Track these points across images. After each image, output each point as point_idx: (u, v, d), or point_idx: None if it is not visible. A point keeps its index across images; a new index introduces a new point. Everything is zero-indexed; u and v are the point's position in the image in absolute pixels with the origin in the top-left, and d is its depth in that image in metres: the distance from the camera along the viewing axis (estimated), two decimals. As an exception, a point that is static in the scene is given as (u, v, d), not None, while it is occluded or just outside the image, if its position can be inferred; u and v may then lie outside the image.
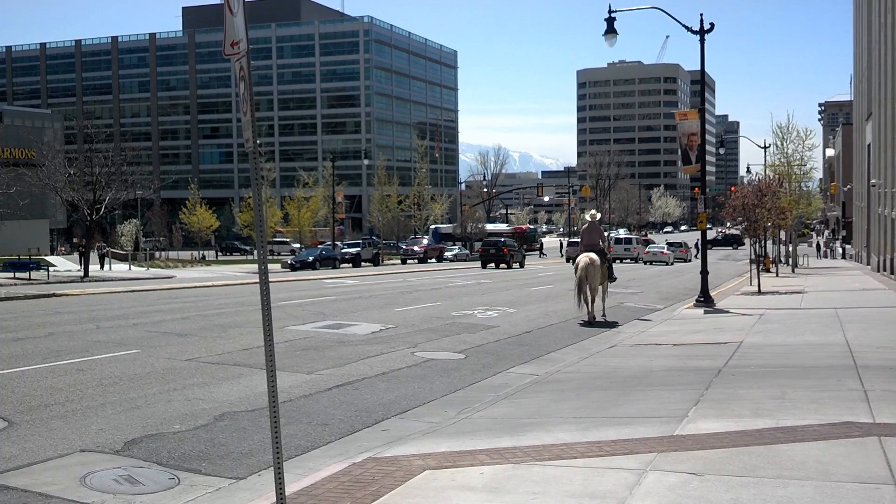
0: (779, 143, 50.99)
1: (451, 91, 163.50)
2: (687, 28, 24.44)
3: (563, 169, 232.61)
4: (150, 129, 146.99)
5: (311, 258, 56.93)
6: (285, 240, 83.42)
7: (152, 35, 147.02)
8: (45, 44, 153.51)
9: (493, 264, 56.20)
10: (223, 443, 8.00)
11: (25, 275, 38.95)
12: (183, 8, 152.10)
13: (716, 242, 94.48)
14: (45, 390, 10.27)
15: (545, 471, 6.42)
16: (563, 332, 17.80)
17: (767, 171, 48.21)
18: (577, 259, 19.69)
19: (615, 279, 21.42)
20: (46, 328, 16.96)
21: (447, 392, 10.91)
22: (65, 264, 54.26)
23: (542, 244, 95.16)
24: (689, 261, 66.08)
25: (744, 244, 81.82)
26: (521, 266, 57.43)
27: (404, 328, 17.43)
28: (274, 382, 5.57)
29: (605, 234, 23.17)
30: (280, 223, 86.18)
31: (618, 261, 53.60)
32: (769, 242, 47.83)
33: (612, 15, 23.91)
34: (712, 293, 25.30)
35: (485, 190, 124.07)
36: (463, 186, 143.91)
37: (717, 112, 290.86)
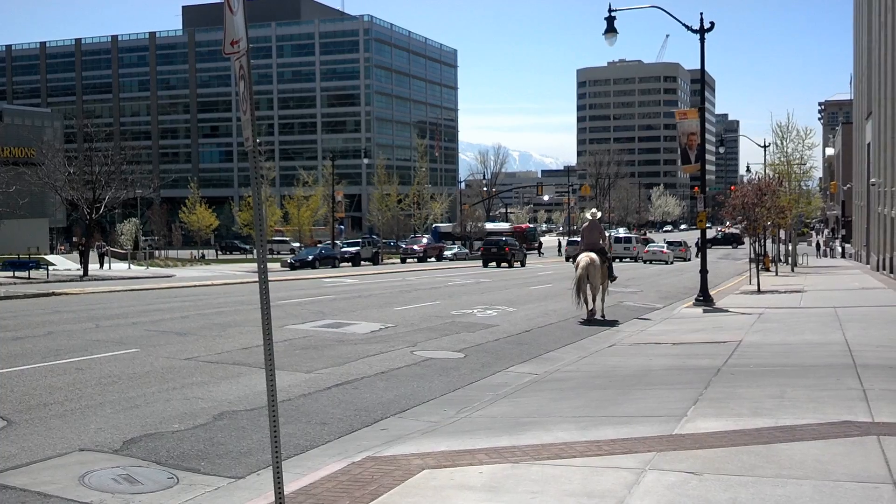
0: (778, 142, 51.04)
1: (451, 90, 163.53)
2: (687, 27, 24.44)
3: (562, 168, 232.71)
4: (150, 127, 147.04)
5: (310, 257, 56.91)
6: (285, 239, 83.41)
7: (152, 34, 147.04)
8: (44, 42, 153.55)
9: (494, 263, 56.27)
10: (222, 442, 8.00)
11: (25, 274, 38.95)
12: (183, 7, 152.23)
13: (715, 241, 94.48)
14: (44, 389, 10.27)
15: (544, 470, 6.42)
16: (563, 331, 17.80)
17: (767, 171, 48.27)
18: (578, 258, 19.70)
19: (615, 278, 21.41)
20: (46, 327, 16.95)
21: (446, 391, 10.91)
22: (64, 263, 54.27)
23: (540, 243, 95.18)
24: (689, 260, 66.08)
25: (743, 243, 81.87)
26: (523, 265, 57.54)
27: (403, 327, 17.43)
28: (273, 381, 5.57)
29: (606, 233, 23.17)
30: (280, 222, 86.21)
31: (617, 260, 53.62)
32: (769, 241, 47.83)
33: (612, 14, 23.92)
34: (712, 292, 25.30)
35: (484, 189, 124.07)
36: (463, 185, 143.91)
37: (717, 111, 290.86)
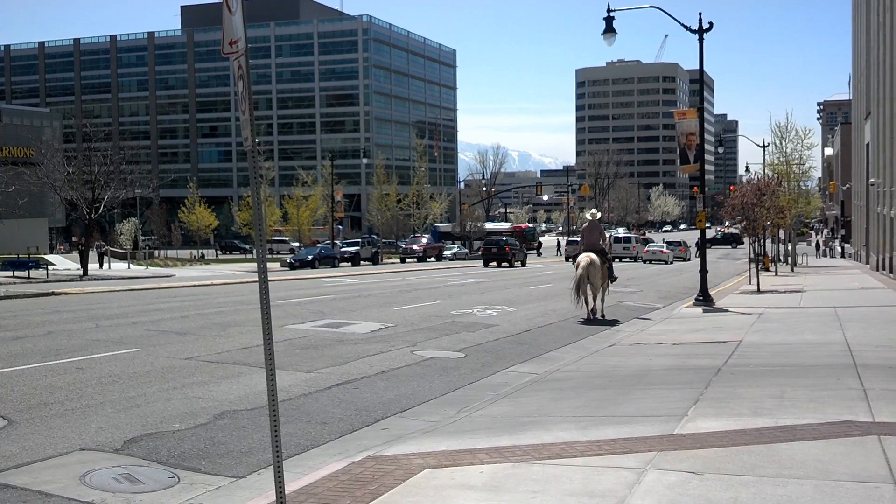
0: (777, 142, 51.08)
1: (450, 90, 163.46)
2: (686, 27, 24.43)
3: (562, 168, 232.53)
4: (149, 127, 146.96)
5: (310, 257, 56.89)
6: (284, 239, 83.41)
7: (151, 34, 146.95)
8: (43, 42, 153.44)
9: (495, 263, 56.32)
10: (223, 441, 8.00)
11: (24, 273, 38.93)
12: (182, 7, 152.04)
13: (715, 241, 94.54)
14: (45, 389, 10.26)
15: (545, 469, 6.43)
16: (563, 330, 17.80)
17: (766, 170, 48.30)
18: (578, 258, 19.72)
19: (615, 279, 21.42)
20: (46, 327, 16.95)
21: (447, 391, 10.91)
22: (64, 263, 54.24)
23: (540, 243, 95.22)
24: (689, 259, 66.11)
25: (743, 243, 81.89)
26: (523, 265, 57.62)
27: (403, 327, 17.43)
28: (273, 381, 5.57)
29: (606, 233, 23.16)
30: (279, 222, 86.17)
31: (617, 259, 53.59)
32: (768, 241, 47.85)
33: (611, 14, 23.91)
34: (711, 292, 25.31)
35: (484, 189, 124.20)
36: (462, 185, 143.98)
37: (716, 111, 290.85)
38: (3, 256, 47.42)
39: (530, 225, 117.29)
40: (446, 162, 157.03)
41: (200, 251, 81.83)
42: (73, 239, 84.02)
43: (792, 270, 45.22)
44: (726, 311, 21.70)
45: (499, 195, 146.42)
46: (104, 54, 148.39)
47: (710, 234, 74.06)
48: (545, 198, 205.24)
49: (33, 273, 39.47)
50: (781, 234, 51.15)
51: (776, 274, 40.87)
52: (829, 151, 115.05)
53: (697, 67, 26.36)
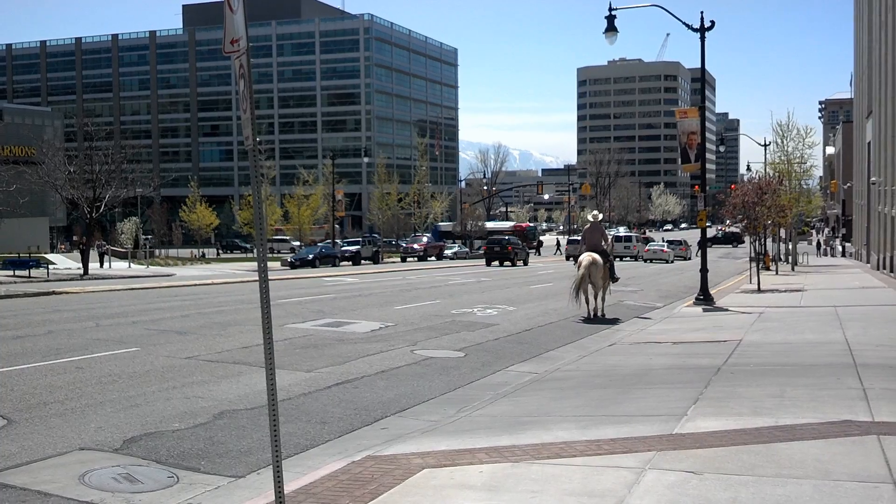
0: (779, 140, 51.04)
1: (452, 89, 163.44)
2: (687, 26, 24.41)
3: (563, 167, 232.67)
4: (151, 126, 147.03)
5: (310, 256, 56.89)
6: (285, 238, 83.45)
7: (152, 33, 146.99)
8: (45, 41, 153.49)
9: (497, 262, 56.37)
10: (222, 441, 8.00)
11: (25, 272, 38.94)
12: (183, 6, 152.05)
13: (716, 240, 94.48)
14: (45, 388, 10.27)
15: (544, 469, 6.42)
16: (563, 330, 17.81)
17: (767, 169, 48.30)
18: (581, 257, 19.76)
19: (617, 279, 21.44)
20: (46, 326, 16.96)
21: (446, 390, 10.92)
22: (64, 262, 54.30)
23: (540, 242, 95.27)
24: (689, 259, 66.07)
25: (744, 242, 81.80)
26: (525, 264, 57.74)
27: (404, 326, 17.43)
28: (273, 380, 5.57)
29: (608, 234, 23.17)
30: (280, 221, 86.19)
31: (618, 259, 53.58)
32: (769, 240, 47.84)
33: (613, 13, 23.90)
34: (712, 291, 25.31)
35: (485, 188, 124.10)
36: (463, 184, 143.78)
37: (718, 110, 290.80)
38: (3, 255, 47.47)
39: (531, 224, 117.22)
40: (447, 161, 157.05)
41: (201, 250, 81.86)
42: (74, 238, 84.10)
43: (793, 269, 45.20)
44: (727, 310, 21.69)
45: (500, 194, 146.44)
46: (105, 53, 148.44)
47: (710, 233, 73.93)
48: (546, 197, 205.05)
49: (34, 272, 39.49)
50: (782, 233, 51.13)
51: (777, 273, 40.85)
52: (830, 150, 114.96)
53: (699, 66, 26.34)
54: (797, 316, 19.47)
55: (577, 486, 5.95)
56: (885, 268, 39.46)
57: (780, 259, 48.94)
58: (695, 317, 20.39)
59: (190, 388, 10.43)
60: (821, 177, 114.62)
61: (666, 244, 68.89)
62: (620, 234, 75.93)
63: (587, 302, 19.52)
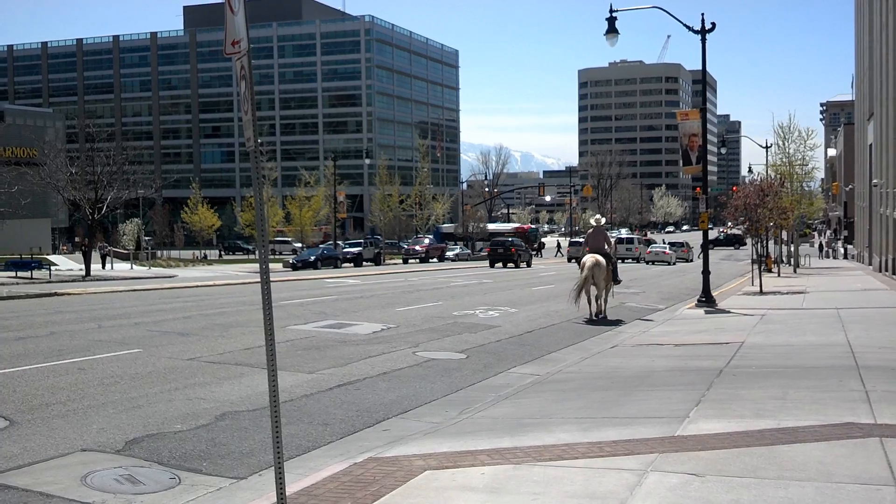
0: (780, 142, 51.04)
1: (453, 90, 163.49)
2: (688, 28, 24.42)
3: (564, 168, 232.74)
4: (152, 128, 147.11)
5: (312, 257, 56.87)
6: (287, 239, 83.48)
7: (153, 34, 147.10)
8: (46, 43, 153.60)
9: (500, 263, 56.42)
10: (224, 442, 8.00)
11: (27, 274, 38.97)
12: (184, 7, 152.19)
13: (718, 242, 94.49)
14: (47, 389, 10.27)
15: (546, 471, 6.42)
16: (565, 332, 17.80)
17: (769, 171, 48.23)
18: (584, 259, 19.78)
19: (619, 281, 21.47)
20: (48, 327, 16.97)
21: (448, 392, 10.91)
22: (66, 263, 54.29)
23: (542, 244, 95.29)
24: (691, 261, 66.06)
25: (745, 244, 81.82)
26: (529, 265, 57.81)
27: (406, 328, 17.43)
28: (275, 382, 5.57)
29: (611, 238, 23.20)
30: (282, 223, 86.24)
31: (619, 261, 53.58)
32: (771, 242, 47.81)
33: (614, 14, 23.90)
34: (714, 293, 25.28)
35: (486, 189, 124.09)
36: (464, 186, 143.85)
37: (719, 112, 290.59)
38: (5, 257, 47.47)
39: (533, 226, 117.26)
40: (449, 162, 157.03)
41: (203, 252, 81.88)
42: (76, 239, 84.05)
43: (794, 272, 45.18)
44: (729, 312, 21.68)
45: (501, 196, 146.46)
46: (107, 54, 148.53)
47: (712, 235, 73.99)
48: (548, 198, 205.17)
49: (36, 273, 39.52)
50: (784, 235, 51.11)
51: (779, 275, 40.82)
52: (831, 152, 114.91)
53: (700, 68, 26.33)
54: (799, 318, 19.45)
55: (578, 488, 5.94)
56: (886, 270, 39.42)
57: (782, 261, 48.91)
58: (697, 319, 20.38)
59: (192, 390, 10.43)
60: (822, 179, 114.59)
61: (668, 246, 68.87)
62: (622, 236, 75.97)
63: (589, 303, 19.55)
